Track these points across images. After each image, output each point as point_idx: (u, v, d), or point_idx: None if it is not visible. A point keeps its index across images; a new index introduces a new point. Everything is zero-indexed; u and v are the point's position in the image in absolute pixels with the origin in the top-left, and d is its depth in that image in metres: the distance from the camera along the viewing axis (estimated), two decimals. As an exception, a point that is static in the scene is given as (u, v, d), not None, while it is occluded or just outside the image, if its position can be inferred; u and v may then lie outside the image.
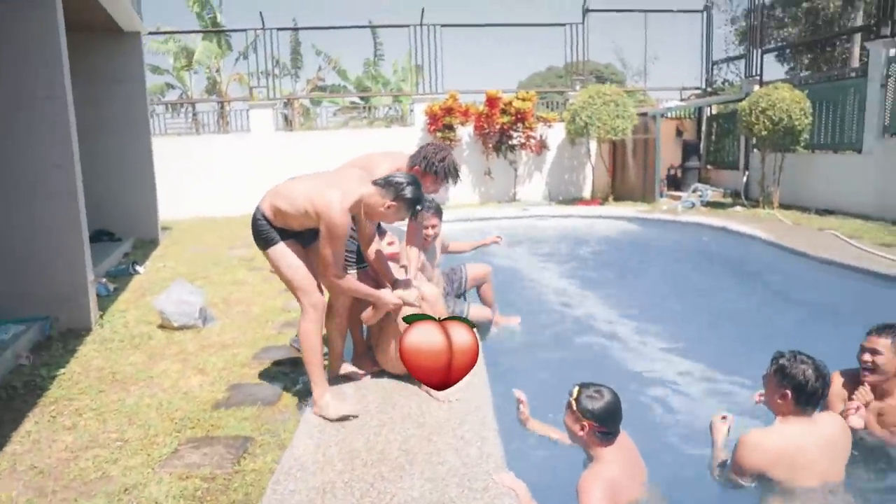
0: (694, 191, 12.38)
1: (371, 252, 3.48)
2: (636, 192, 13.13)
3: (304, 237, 3.25)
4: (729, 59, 15.52)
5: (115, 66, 8.76)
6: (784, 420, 2.64)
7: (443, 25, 13.77)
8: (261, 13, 13.22)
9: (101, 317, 5.12)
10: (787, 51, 20.91)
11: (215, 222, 11.70)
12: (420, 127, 13.55)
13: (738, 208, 11.29)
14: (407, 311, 3.30)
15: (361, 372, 3.61)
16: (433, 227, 4.59)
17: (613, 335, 5.19)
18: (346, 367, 3.62)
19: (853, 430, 2.78)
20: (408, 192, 3.08)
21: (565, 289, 6.87)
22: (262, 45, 13.60)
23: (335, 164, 3.55)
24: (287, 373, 3.88)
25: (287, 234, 3.20)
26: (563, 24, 14.17)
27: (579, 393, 2.63)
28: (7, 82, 4.70)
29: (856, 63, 15.88)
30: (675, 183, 14.07)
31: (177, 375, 3.89)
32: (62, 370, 3.97)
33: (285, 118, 15.20)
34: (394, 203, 3.08)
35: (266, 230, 3.21)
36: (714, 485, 2.75)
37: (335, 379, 3.52)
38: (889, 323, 3.03)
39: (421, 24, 13.71)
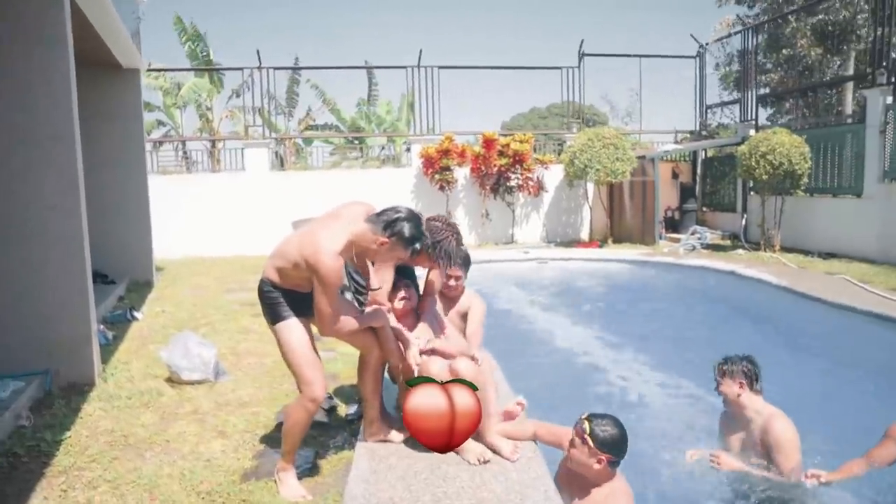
0: (692, 233, 12.36)
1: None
2: (634, 234, 13.07)
3: (309, 308, 2.97)
4: (724, 104, 15.69)
5: (113, 102, 8.51)
6: None
7: (440, 67, 13.77)
8: (258, 51, 13.24)
9: (103, 370, 4.78)
10: (769, 97, 21.31)
11: (207, 263, 11.36)
12: (416, 168, 13.43)
13: (740, 251, 11.24)
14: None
15: (398, 438, 3.30)
16: (457, 277, 3.85)
17: (636, 391, 4.99)
18: (383, 433, 3.31)
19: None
20: (404, 227, 2.82)
21: (581, 338, 6.66)
22: (259, 84, 13.48)
23: (329, 204, 3.23)
24: (316, 436, 3.58)
25: (297, 302, 2.95)
26: (560, 68, 14.27)
27: (591, 427, 2.68)
28: (13, 121, 4.45)
29: (849, 110, 16.15)
30: (672, 225, 14.06)
31: (195, 439, 3.58)
32: (68, 433, 3.64)
33: (276, 155, 15.01)
34: (387, 240, 2.82)
35: (274, 300, 2.95)
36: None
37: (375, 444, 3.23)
38: (727, 356, 3.48)
39: (418, 66, 13.70)
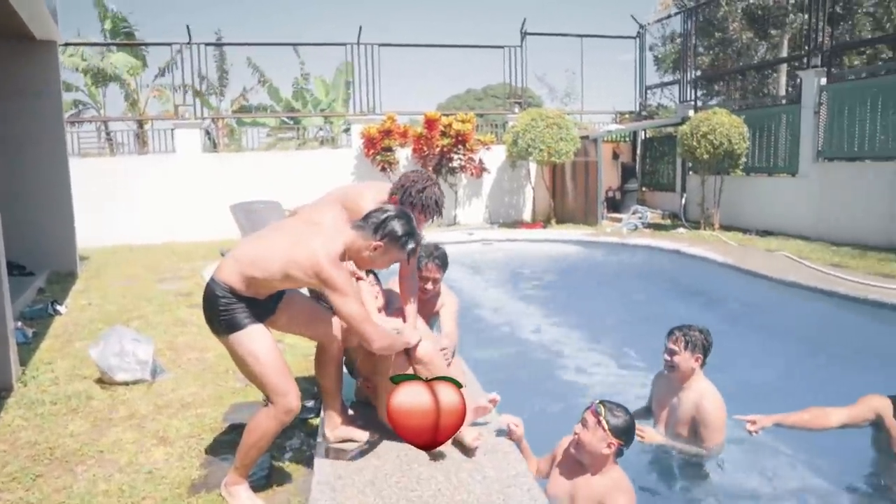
0: (634, 213, 12.47)
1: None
2: (577, 215, 13.10)
3: (266, 310, 2.72)
4: (663, 85, 15.87)
5: (26, 77, 7.79)
6: None
7: (381, 45, 13.35)
8: (188, 26, 12.37)
9: (23, 372, 4.31)
10: (704, 79, 21.82)
11: (136, 251, 10.69)
12: (356, 149, 13.04)
13: (682, 230, 11.40)
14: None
15: (363, 437, 3.06)
16: (434, 280, 3.56)
17: (590, 371, 4.90)
18: (346, 431, 3.06)
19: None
20: (394, 226, 2.63)
21: (531, 319, 6.54)
22: (189, 61, 12.71)
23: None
24: (270, 438, 3.28)
25: (257, 308, 2.65)
26: (503, 47, 14.08)
27: (606, 412, 2.66)
28: None
29: (782, 91, 16.61)
30: (613, 205, 14.17)
31: (134, 448, 3.22)
32: (-18, 447, 3.22)
33: (207, 135, 14.29)
34: (380, 242, 2.62)
35: (231, 309, 2.58)
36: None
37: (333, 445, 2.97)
38: (684, 324, 3.32)
39: (358, 43, 13.24)
